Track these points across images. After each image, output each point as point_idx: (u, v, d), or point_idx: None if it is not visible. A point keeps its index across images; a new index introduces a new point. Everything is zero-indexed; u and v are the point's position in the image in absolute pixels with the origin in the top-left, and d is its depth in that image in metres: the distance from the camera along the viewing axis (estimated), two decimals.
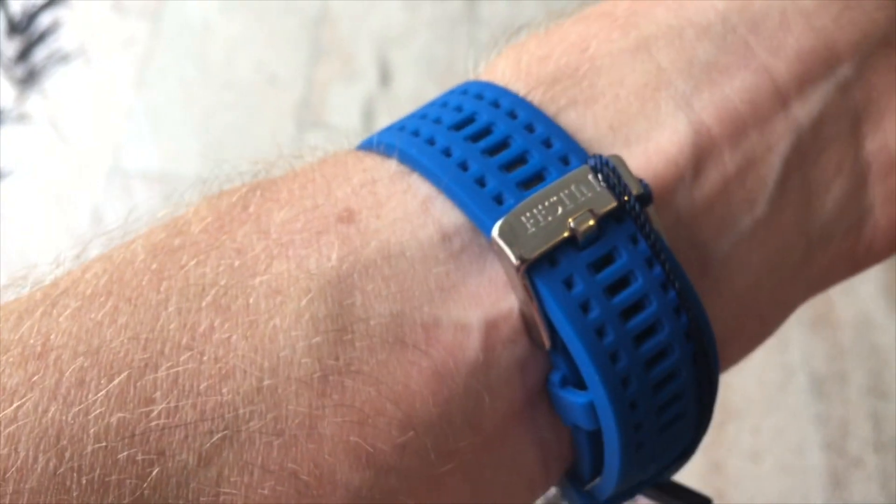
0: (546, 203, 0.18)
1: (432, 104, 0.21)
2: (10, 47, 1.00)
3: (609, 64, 0.20)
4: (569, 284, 0.18)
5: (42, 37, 1.01)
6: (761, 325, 0.22)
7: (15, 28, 1.01)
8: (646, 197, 0.18)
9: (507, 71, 0.21)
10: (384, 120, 1.02)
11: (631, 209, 0.18)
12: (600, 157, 0.18)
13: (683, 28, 0.21)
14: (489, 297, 0.18)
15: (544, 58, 0.21)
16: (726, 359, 0.21)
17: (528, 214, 0.18)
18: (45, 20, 1.02)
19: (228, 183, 0.20)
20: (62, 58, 1.01)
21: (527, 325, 0.18)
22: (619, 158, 0.18)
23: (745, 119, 0.20)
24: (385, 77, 1.05)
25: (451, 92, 0.21)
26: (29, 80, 0.98)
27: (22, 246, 0.92)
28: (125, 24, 1.06)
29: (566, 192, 0.18)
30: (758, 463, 0.87)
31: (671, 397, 0.19)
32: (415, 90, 1.04)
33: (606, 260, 0.18)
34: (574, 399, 0.18)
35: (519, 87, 0.20)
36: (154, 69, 1.03)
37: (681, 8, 0.21)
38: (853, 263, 0.23)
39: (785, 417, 0.88)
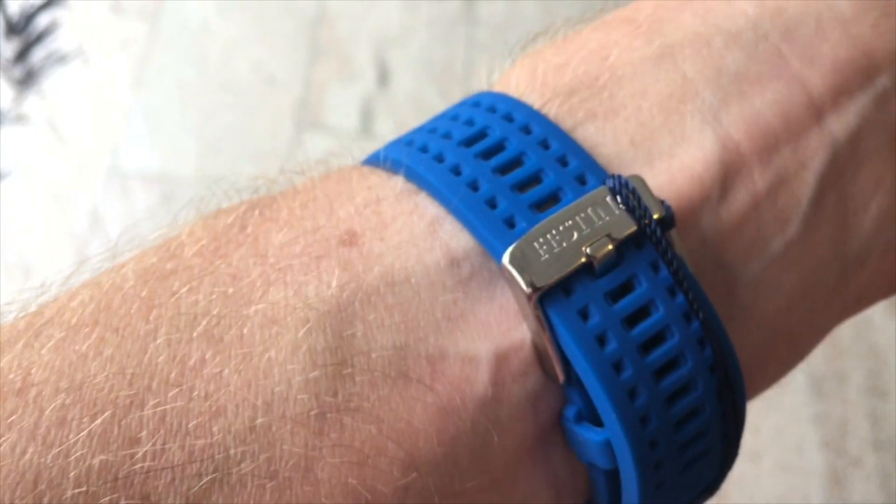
0: (561, 227, 0.17)
1: (442, 116, 0.20)
2: (9, 48, 1.00)
3: (631, 73, 0.19)
4: (584, 315, 0.17)
5: (40, 37, 1.01)
6: (792, 350, 0.20)
7: (13, 29, 1.00)
8: (668, 220, 0.17)
9: (522, 81, 0.20)
10: (383, 120, 1.02)
11: (651, 234, 0.17)
12: (619, 177, 0.17)
13: (711, 35, 0.19)
14: (499, 326, 0.17)
15: (561, 66, 0.20)
16: (754, 387, 0.20)
17: (541, 240, 0.17)
18: (43, 21, 1.02)
19: (227, 200, 0.19)
20: (60, 58, 1.00)
21: (539, 356, 0.17)
22: (639, 179, 0.17)
23: (777, 133, 0.19)
24: (383, 77, 1.05)
25: (463, 104, 0.20)
26: (27, 80, 0.98)
27: (21, 246, 0.92)
28: (123, 24, 1.05)
29: (582, 215, 0.17)
30: (757, 462, 0.87)
31: (694, 434, 0.17)
32: (413, 90, 1.04)
33: (625, 288, 0.17)
34: (590, 436, 0.17)
35: (534, 98, 0.19)
36: (152, 70, 1.03)
37: (708, 13, 0.20)
38: (891, 283, 0.21)
39: (784, 417, 0.88)
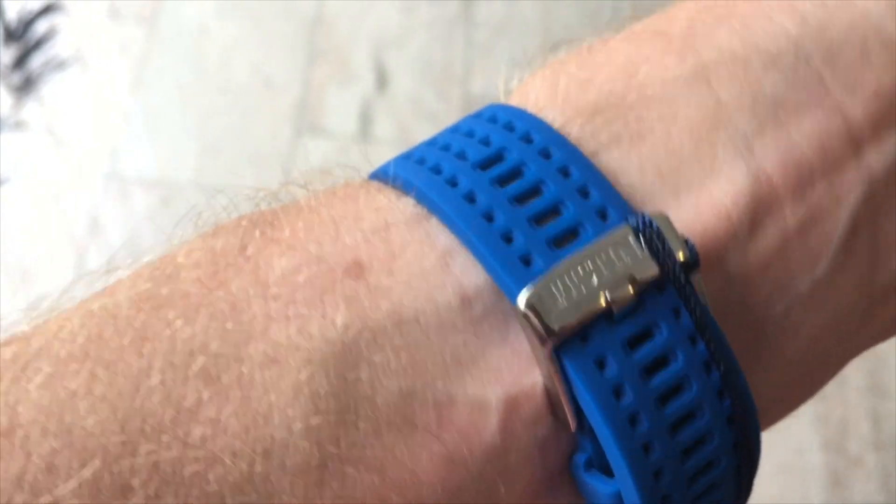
0: (580, 269, 0.16)
1: (455, 130, 0.19)
2: (7, 55, 1.00)
3: (661, 94, 0.18)
4: (601, 364, 0.16)
5: (38, 44, 1.01)
6: (809, 386, 0.20)
7: (11, 35, 1.00)
8: (693, 263, 0.16)
9: (542, 95, 0.18)
10: (382, 122, 1.02)
11: (675, 279, 0.16)
12: (643, 216, 0.16)
13: (749, 56, 0.18)
14: (511, 371, 0.16)
15: (585, 82, 0.18)
16: (765, 423, 0.19)
17: (558, 283, 0.16)
18: (41, 27, 1.02)
19: (225, 214, 0.18)
20: (59, 64, 1.00)
21: (551, 401, 0.16)
22: (664, 219, 0.16)
23: (813, 167, 0.18)
24: (382, 79, 1.05)
25: (478, 116, 0.19)
26: (26, 87, 0.98)
27: (21, 251, 0.92)
28: (121, 29, 1.05)
29: (603, 256, 0.16)
30: None
31: (708, 486, 0.17)
32: (412, 92, 1.04)
33: (644, 334, 0.16)
34: (599, 486, 0.16)
35: (554, 115, 0.18)
36: (150, 73, 1.03)
37: (747, 31, 0.18)
38: None
39: (784, 418, 0.88)
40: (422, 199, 0.17)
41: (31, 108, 0.98)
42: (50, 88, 0.99)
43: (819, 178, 0.18)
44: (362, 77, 1.05)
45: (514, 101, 0.19)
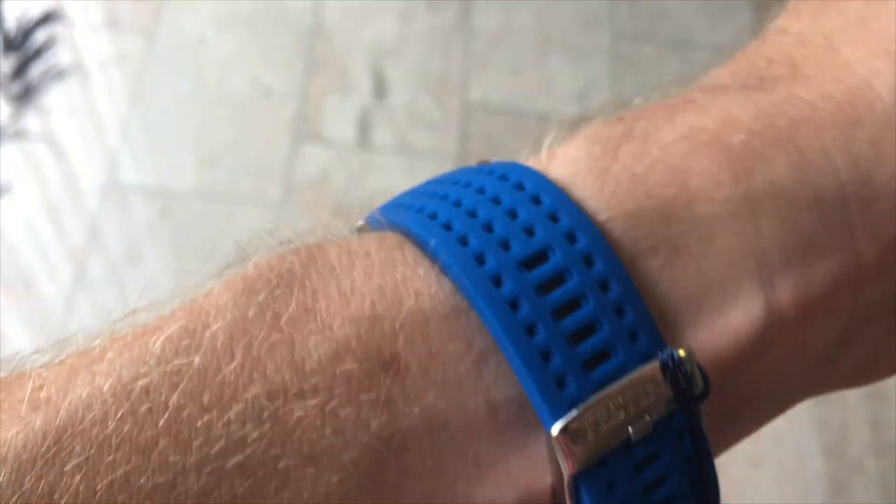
0: (610, 405, 0.17)
1: (497, 201, 0.18)
2: (6, 64, 1.00)
3: (707, 214, 0.18)
4: (611, 487, 0.17)
5: (38, 53, 1.01)
6: (759, 426, 0.22)
7: (11, 45, 1.01)
8: (704, 395, 0.17)
9: (590, 180, 0.19)
10: (380, 132, 1.02)
11: (689, 412, 0.17)
12: (672, 354, 0.17)
13: (797, 191, 0.19)
14: (526, 477, 0.17)
15: (637, 178, 0.19)
16: (720, 452, 0.22)
17: (590, 415, 0.17)
18: (40, 36, 1.03)
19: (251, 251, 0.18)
20: (58, 73, 1.01)
21: (555, 498, 0.17)
22: (690, 355, 0.17)
23: (819, 306, 0.19)
24: (380, 89, 1.06)
25: (519, 186, 0.19)
26: (25, 96, 0.99)
27: (20, 260, 0.92)
28: (120, 39, 1.06)
29: (631, 393, 0.17)
30: (758, 469, 0.87)
31: None
32: (410, 101, 1.05)
33: (651, 456, 0.17)
34: None
35: (599, 206, 0.18)
36: (149, 83, 1.04)
37: (802, 163, 0.19)
38: (847, 387, 0.23)
39: (784, 423, 0.88)
40: (465, 292, 0.17)
41: (31, 118, 0.98)
42: (50, 98, 1.00)
43: (820, 314, 0.19)
44: (360, 86, 1.06)
45: (556, 171, 0.19)
